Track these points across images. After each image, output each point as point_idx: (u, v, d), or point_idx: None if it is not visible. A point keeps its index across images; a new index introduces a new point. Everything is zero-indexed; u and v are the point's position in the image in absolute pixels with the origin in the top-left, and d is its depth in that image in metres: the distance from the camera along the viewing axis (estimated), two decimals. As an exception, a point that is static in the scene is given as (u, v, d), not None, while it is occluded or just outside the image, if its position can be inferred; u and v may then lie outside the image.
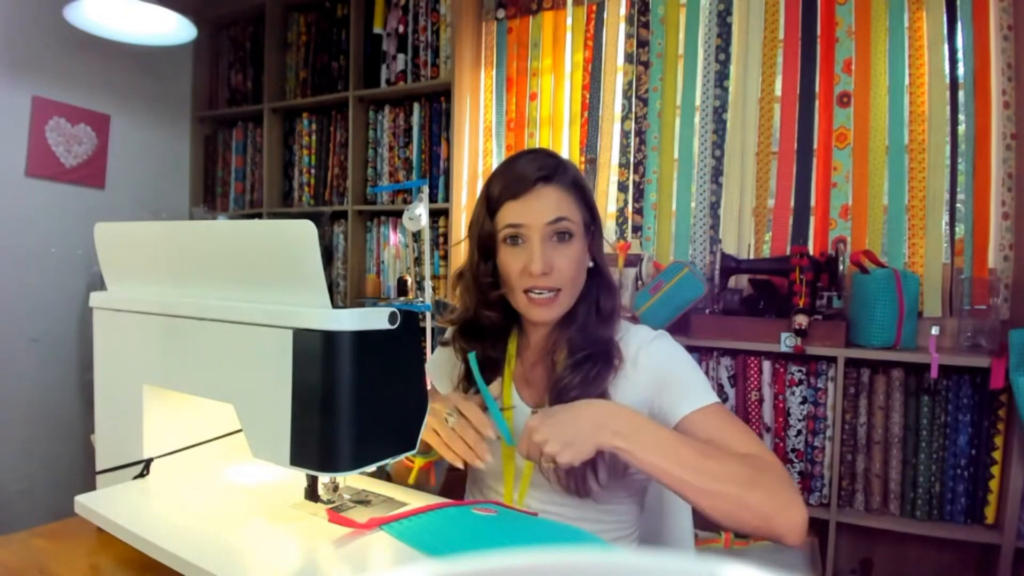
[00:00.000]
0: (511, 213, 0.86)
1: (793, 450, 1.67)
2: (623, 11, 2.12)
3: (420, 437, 0.79)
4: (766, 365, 1.69)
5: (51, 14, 1.89)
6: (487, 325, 0.94)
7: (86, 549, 0.70)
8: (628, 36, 2.10)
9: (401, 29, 2.41)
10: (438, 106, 2.35)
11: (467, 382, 0.96)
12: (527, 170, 0.86)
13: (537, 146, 2.23)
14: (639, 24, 2.07)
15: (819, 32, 1.83)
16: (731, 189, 1.94)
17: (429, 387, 1.06)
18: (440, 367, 1.03)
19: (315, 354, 0.61)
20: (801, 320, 1.57)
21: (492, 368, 0.95)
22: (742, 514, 0.71)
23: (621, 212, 2.10)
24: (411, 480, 0.86)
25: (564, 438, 0.70)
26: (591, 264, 0.92)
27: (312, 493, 0.74)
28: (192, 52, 2.82)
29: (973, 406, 1.52)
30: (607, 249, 1.03)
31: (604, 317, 0.90)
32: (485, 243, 0.90)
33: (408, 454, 0.81)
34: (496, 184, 0.88)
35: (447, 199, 2.28)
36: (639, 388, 0.87)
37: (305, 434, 0.62)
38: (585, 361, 0.87)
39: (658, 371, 0.87)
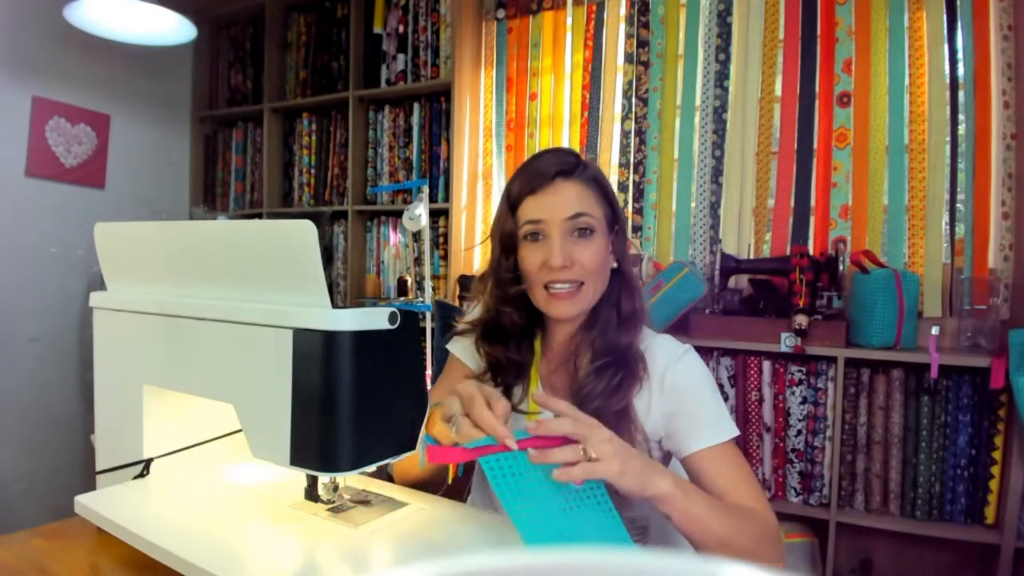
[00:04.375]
0: (530, 208, 0.85)
1: (793, 450, 1.67)
2: (623, 11, 2.12)
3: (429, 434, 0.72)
4: (766, 365, 1.69)
5: (51, 14, 1.89)
6: (509, 325, 0.90)
7: (86, 549, 0.70)
8: (628, 36, 2.10)
9: (401, 29, 2.41)
10: (438, 106, 2.35)
11: (491, 378, 0.93)
12: (546, 166, 0.86)
13: (537, 146, 2.23)
14: (639, 24, 2.07)
15: (819, 32, 1.83)
16: (731, 189, 1.94)
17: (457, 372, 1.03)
18: (465, 351, 0.99)
19: (315, 354, 0.61)
20: (801, 320, 1.57)
21: (516, 371, 0.92)
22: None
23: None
24: (450, 478, 0.81)
25: (627, 458, 0.63)
26: (614, 265, 0.90)
27: (312, 493, 0.74)
28: (192, 52, 2.82)
29: (973, 406, 1.52)
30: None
31: (625, 320, 0.88)
32: (507, 241, 0.89)
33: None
34: (516, 182, 0.88)
35: (447, 199, 2.28)
36: (662, 409, 0.85)
37: (305, 434, 0.62)
38: (607, 368, 0.84)
39: (682, 395, 0.84)
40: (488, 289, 0.93)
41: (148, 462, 0.78)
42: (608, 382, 0.83)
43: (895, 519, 1.58)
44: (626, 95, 2.11)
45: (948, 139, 1.68)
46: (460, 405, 0.67)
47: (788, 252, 1.78)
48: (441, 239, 2.33)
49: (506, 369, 0.91)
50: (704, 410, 0.83)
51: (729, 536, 0.67)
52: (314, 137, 2.65)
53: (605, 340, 0.86)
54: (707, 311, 1.79)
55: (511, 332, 0.91)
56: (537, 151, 2.22)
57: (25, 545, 0.70)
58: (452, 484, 0.87)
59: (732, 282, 1.83)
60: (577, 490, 0.65)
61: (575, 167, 0.86)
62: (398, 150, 2.46)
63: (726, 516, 0.68)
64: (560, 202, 0.84)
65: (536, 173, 0.86)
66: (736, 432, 0.82)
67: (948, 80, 1.68)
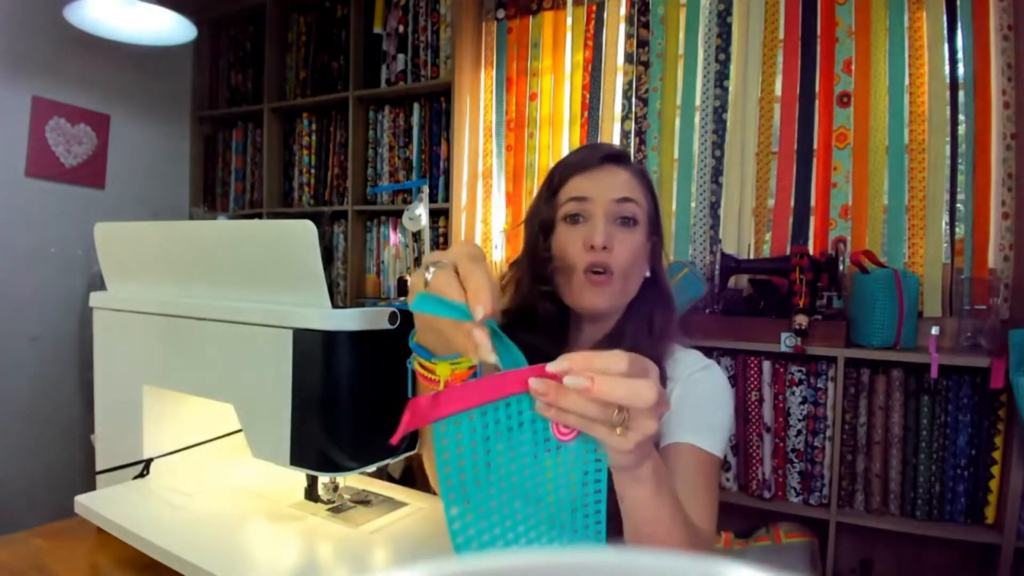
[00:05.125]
0: (576, 186, 0.81)
1: (793, 450, 1.67)
2: (623, 11, 2.12)
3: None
4: (766, 365, 1.69)
5: (51, 14, 1.89)
6: (543, 313, 0.83)
7: (86, 549, 0.70)
8: (628, 36, 2.10)
9: (401, 29, 2.41)
10: (438, 106, 2.35)
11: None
12: (595, 150, 0.84)
13: (537, 147, 2.24)
14: (639, 24, 2.07)
15: (819, 32, 1.83)
16: (731, 189, 1.94)
17: None
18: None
19: (315, 354, 0.61)
20: (801, 320, 1.57)
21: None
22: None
23: (621, 212, 2.10)
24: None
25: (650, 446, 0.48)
26: (647, 274, 0.84)
27: (312, 493, 0.74)
28: (192, 52, 2.82)
29: (973, 406, 1.52)
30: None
31: (657, 335, 0.82)
32: (544, 225, 0.84)
33: (425, 358, 0.52)
34: (559, 166, 0.85)
35: (447, 199, 2.28)
36: (670, 410, 0.79)
37: (305, 434, 0.62)
38: None
39: (690, 394, 0.80)
40: (522, 273, 0.85)
41: (148, 462, 0.78)
42: None
43: (895, 519, 1.58)
44: (626, 95, 2.11)
45: (948, 139, 1.68)
46: (453, 254, 0.49)
47: (788, 252, 1.78)
48: (441, 239, 2.33)
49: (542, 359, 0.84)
50: (703, 414, 0.78)
51: (668, 542, 0.57)
52: (314, 137, 2.65)
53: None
54: (707, 311, 1.79)
55: (544, 320, 0.83)
56: (539, 151, 2.23)
57: (25, 545, 0.70)
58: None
59: (732, 282, 1.83)
60: (560, 496, 0.45)
61: (625, 156, 0.85)
62: (398, 150, 2.46)
63: (681, 526, 0.57)
64: (609, 184, 0.80)
65: (585, 156, 0.83)
66: (720, 455, 0.76)
67: (948, 80, 1.68)
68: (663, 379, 0.79)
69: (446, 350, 0.53)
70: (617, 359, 0.42)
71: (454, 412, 0.41)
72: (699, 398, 0.79)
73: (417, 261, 2.32)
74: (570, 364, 0.42)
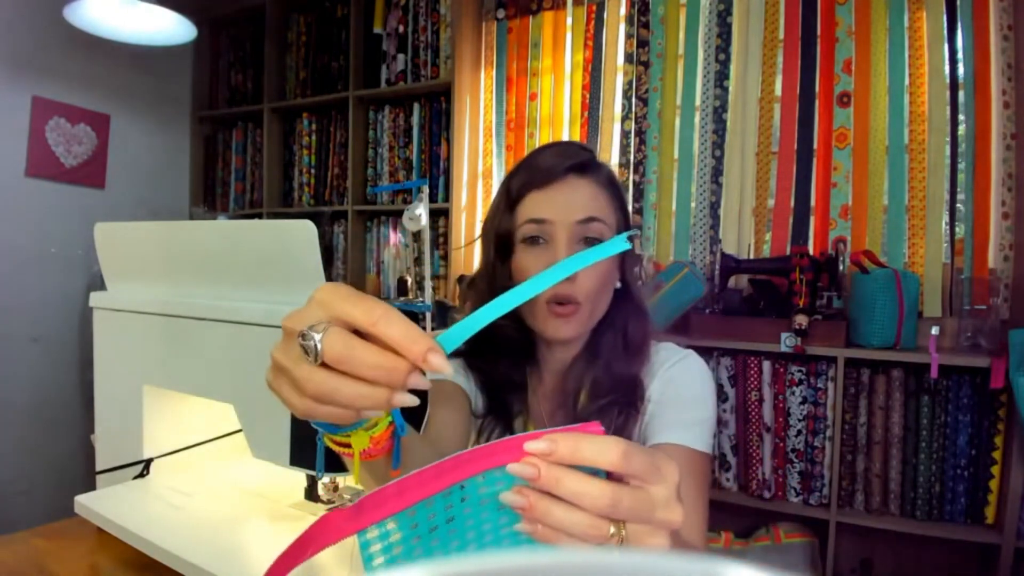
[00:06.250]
0: (534, 206, 0.74)
1: (793, 450, 1.67)
2: (623, 11, 2.12)
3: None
4: (766, 365, 1.69)
5: (51, 14, 1.89)
6: (505, 339, 0.76)
7: (86, 549, 0.70)
8: (628, 36, 2.10)
9: (401, 29, 2.41)
10: (438, 106, 2.35)
11: (495, 420, 0.77)
12: (557, 158, 0.74)
13: (538, 147, 2.23)
14: (639, 24, 2.07)
15: (819, 32, 1.83)
16: (731, 189, 1.94)
17: None
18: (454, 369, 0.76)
19: (315, 354, 0.61)
20: (801, 320, 1.57)
21: (516, 397, 0.79)
22: None
23: (621, 212, 2.10)
24: (355, 477, 0.45)
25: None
26: (618, 285, 0.78)
27: (312, 493, 0.74)
28: (192, 52, 2.82)
29: (973, 406, 1.52)
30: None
31: (633, 350, 0.77)
32: (502, 242, 0.76)
33: (332, 432, 0.41)
34: (519, 174, 0.76)
35: (447, 199, 2.28)
36: (652, 406, 0.76)
37: (305, 434, 0.62)
38: (611, 407, 0.74)
39: (669, 391, 0.76)
40: (479, 298, 0.77)
41: (148, 462, 0.78)
42: (611, 423, 0.73)
43: (895, 519, 1.58)
44: (626, 95, 2.11)
45: (948, 139, 1.68)
46: (332, 308, 0.35)
47: (788, 252, 1.78)
48: (441, 239, 2.33)
49: (504, 389, 0.78)
50: (687, 410, 0.74)
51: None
52: (314, 137, 2.65)
53: (609, 373, 0.76)
54: (707, 311, 1.79)
55: (507, 346, 0.77)
56: (541, 144, 2.23)
57: (25, 545, 0.70)
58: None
59: (732, 282, 1.83)
60: None
61: (590, 164, 0.75)
62: (398, 150, 2.46)
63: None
64: (571, 201, 0.73)
65: (545, 165, 0.74)
66: (708, 451, 0.73)
67: (948, 80, 1.68)
68: (640, 396, 0.75)
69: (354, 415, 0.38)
70: (609, 448, 0.31)
71: (384, 517, 0.34)
72: (680, 393, 0.75)
73: (417, 261, 2.32)
74: (551, 446, 0.31)
